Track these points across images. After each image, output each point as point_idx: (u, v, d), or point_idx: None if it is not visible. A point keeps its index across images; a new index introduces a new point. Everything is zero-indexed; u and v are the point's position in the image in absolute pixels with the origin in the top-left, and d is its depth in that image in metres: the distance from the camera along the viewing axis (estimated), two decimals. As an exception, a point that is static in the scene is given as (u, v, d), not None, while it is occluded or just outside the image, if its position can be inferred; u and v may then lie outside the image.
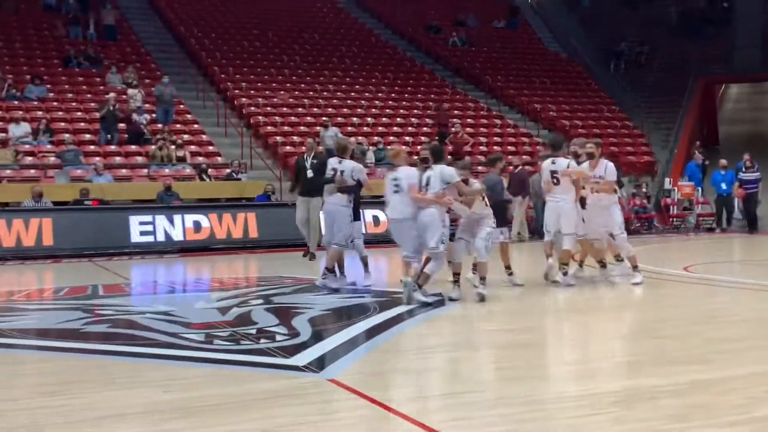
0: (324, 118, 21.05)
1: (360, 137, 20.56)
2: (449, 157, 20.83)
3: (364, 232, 16.25)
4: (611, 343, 6.18)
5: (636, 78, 30.51)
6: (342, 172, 9.27)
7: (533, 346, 6.13)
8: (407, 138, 22.31)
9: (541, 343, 6.25)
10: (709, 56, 30.06)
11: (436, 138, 22.10)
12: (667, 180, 22.28)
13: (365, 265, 9.66)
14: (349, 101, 24.17)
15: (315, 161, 12.50)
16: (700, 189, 21.18)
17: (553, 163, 9.26)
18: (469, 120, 23.90)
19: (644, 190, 20.90)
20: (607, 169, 9.30)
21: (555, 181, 9.19)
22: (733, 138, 30.38)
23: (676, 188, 21.46)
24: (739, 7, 32.33)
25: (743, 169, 19.14)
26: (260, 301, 8.45)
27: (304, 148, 13.79)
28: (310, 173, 12.47)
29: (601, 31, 33.88)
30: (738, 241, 17.37)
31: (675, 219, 20.71)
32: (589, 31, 33.96)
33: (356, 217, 9.48)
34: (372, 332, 6.57)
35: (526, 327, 6.94)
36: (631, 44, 32.29)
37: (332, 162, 9.45)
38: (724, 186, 19.34)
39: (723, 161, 20.07)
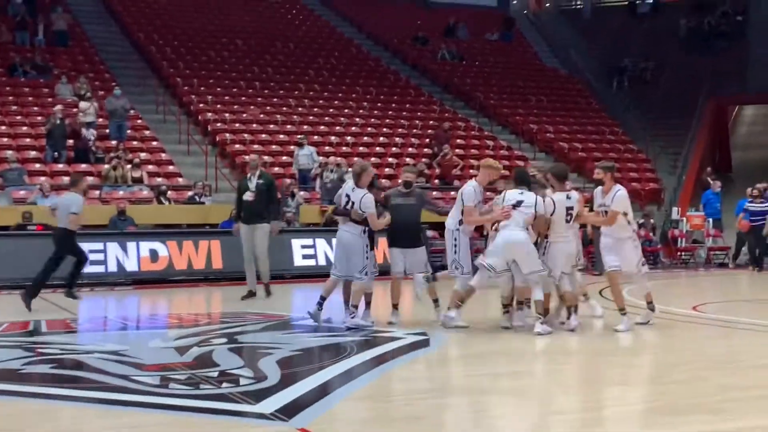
0: (299, 136, 21.08)
1: (339, 157, 20.59)
2: (436, 181, 21.06)
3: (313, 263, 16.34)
4: (612, 390, 6.19)
5: (641, 97, 30.85)
6: (353, 203, 9.18)
7: (524, 392, 6.12)
8: (390, 159, 22.38)
9: (533, 390, 6.25)
10: (722, 74, 30.47)
11: (424, 159, 22.21)
12: (674, 210, 22.44)
13: (368, 302, 9.58)
14: (326, 118, 24.24)
15: (261, 182, 12.28)
16: (710, 221, 21.33)
17: (568, 198, 8.97)
18: (458, 140, 24.03)
19: (651, 220, 21.05)
20: (615, 197, 8.93)
21: (569, 218, 8.94)
22: (748, 164, 30.70)
23: (684, 219, 21.56)
24: (755, 20, 32.86)
25: (750, 199, 18.96)
26: (223, 340, 8.39)
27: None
28: (250, 195, 12.20)
29: (604, 46, 34.30)
30: (751, 278, 17.50)
31: (683, 253, 20.84)
32: (590, 45, 34.37)
33: (370, 247, 9.42)
34: (348, 376, 6.55)
35: (517, 371, 6.93)
36: (636, 60, 32.68)
37: (346, 188, 9.41)
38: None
39: (753, 189, 19.55)
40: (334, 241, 16.48)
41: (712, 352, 7.82)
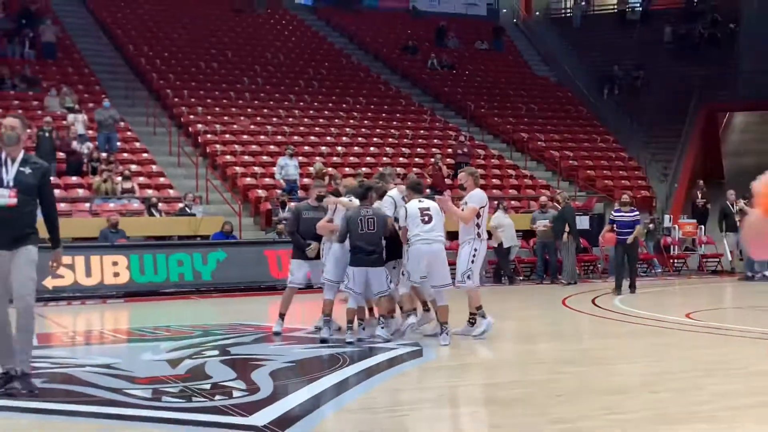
0: (288, 147, 21.06)
1: (330, 168, 20.56)
2: (428, 190, 21.04)
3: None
4: (605, 399, 6.19)
5: (632, 105, 30.93)
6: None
7: (520, 401, 6.12)
8: (381, 168, 22.37)
9: (529, 399, 6.25)
10: (713, 81, 30.59)
11: (415, 169, 22.23)
12: (666, 217, 22.53)
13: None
14: (317, 128, 24.25)
15: (28, 170, 6.53)
16: (703, 228, 21.48)
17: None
18: (449, 150, 24.04)
19: (651, 226, 21.00)
20: (471, 197, 9.26)
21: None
22: (740, 171, 30.80)
23: (676, 226, 21.71)
24: (746, 29, 33.01)
25: (617, 208, 15.46)
26: (216, 352, 8.41)
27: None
28: (6, 195, 6.28)
29: (594, 54, 34.40)
30: (743, 285, 17.54)
31: (675, 260, 20.91)
32: (580, 53, 34.46)
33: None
34: (342, 387, 6.55)
35: (512, 381, 6.94)
36: (626, 68, 32.79)
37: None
38: None
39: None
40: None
41: (705, 360, 7.84)
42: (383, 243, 9.11)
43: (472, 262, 9.12)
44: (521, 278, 18.10)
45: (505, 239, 17.27)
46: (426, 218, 8.94)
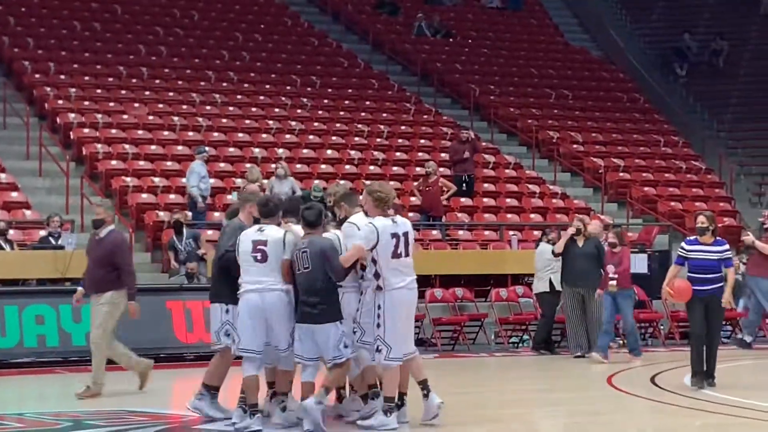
0: (204, 149, 20.89)
1: (265, 180, 20.47)
2: (411, 214, 21.00)
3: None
4: None
5: (711, 92, 31.08)
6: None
7: None
8: (342, 182, 22.31)
9: None
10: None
11: (392, 182, 22.22)
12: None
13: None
14: (248, 121, 24.15)
15: None
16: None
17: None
18: (444, 155, 24.07)
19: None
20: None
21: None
22: None
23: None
24: None
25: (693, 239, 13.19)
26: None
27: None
28: None
29: (657, 19, 34.58)
30: None
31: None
32: (637, 18, 34.61)
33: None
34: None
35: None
36: (704, 38, 32.97)
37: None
38: None
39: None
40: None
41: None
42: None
43: (378, 326, 9.15)
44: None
45: (556, 280, 17.34)
46: (259, 255, 8.97)
